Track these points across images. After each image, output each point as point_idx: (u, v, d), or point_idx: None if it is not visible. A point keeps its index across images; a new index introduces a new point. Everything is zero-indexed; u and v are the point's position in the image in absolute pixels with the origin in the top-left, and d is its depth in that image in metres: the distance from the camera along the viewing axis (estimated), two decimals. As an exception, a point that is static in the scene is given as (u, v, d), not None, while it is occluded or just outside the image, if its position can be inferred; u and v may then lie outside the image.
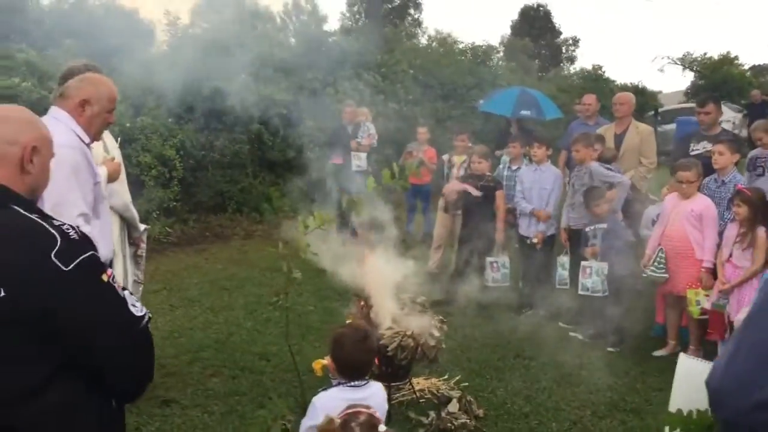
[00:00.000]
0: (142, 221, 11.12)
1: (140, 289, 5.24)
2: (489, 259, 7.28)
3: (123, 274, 4.77)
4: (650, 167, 7.79)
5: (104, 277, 2.00)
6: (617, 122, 8.04)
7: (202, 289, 7.93)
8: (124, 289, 2.07)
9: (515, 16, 46.46)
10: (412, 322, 4.73)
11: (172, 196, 10.92)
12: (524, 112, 10.93)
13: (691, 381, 2.08)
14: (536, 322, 6.98)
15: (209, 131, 11.79)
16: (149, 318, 2.09)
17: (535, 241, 7.10)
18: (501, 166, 8.25)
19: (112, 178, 4.57)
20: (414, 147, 10.31)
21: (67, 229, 1.98)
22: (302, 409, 4.22)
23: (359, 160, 10.67)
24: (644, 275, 6.09)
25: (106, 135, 4.76)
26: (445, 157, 9.04)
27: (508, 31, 45.44)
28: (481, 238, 7.27)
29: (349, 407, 2.60)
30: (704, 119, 6.86)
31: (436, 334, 4.74)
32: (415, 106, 15.20)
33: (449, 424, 4.62)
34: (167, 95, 11.28)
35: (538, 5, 46.29)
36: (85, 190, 3.38)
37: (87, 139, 3.47)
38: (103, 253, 3.54)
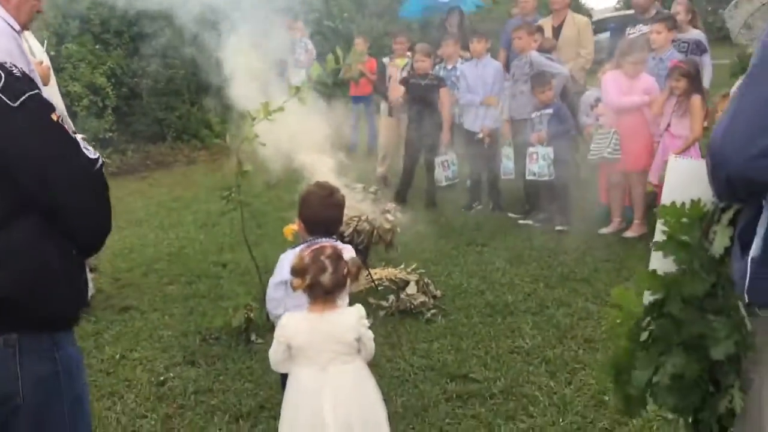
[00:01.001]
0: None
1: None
2: (438, 158, 7.32)
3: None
4: (588, 58, 7.86)
5: (53, 117, 1.93)
6: (554, 15, 8.04)
7: (149, 210, 7.81)
8: (74, 133, 2.00)
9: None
10: (367, 207, 4.76)
11: (107, 126, 10.57)
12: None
13: (681, 179, 2.09)
14: (486, 214, 7.12)
15: (140, 57, 11.37)
16: (102, 163, 2.03)
17: (481, 135, 7.14)
18: (437, 67, 8.21)
19: (43, 82, 4.38)
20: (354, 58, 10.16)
21: (10, 66, 1.90)
22: (264, 300, 4.27)
23: (299, 77, 10.47)
24: (594, 158, 6.22)
25: (31, 38, 4.55)
26: (386, 60, 8.93)
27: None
28: (428, 138, 7.30)
29: (312, 246, 2.63)
30: (639, 2, 6.95)
31: (391, 217, 4.79)
32: (351, 24, 14.94)
33: (409, 305, 4.71)
34: (91, 20, 10.84)
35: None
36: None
37: (17, 27, 3.29)
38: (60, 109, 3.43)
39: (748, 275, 1.76)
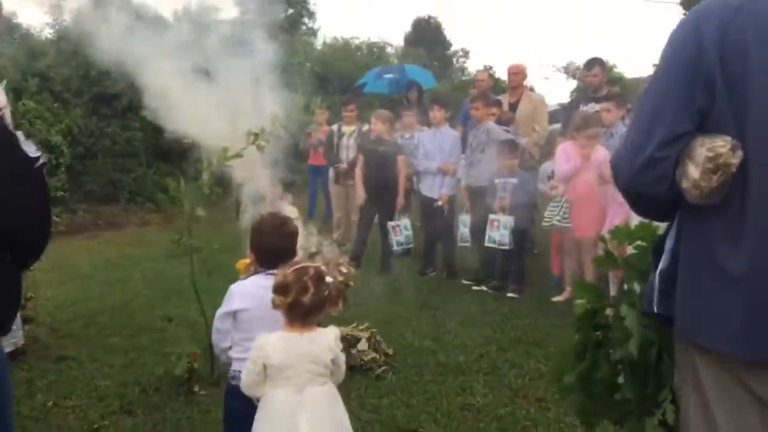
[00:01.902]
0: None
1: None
2: (390, 223, 7.33)
3: None
4: (542, 134, 8.10)
5: None
6: (511, 92, 8.32)
7: (96, 266, 7.59)
8: (15, 129, 1.94)
9: (408, 28, 47.16)
10: (318, 260, 4.68)
11: (59, 185, 10.40)
12: (387, 75, 11.15)
13: None
14: (440, 280, 7.10)
15: (99, 117, 11.32)
16: (44, 163, 1.97)
17: (440, 202, 7.19)
18: (396, 134, 8.35)
19: (-4, 117, 4.31)
20: (313, 128, 10.27)
21: None
22: (210, 348, 4.12)
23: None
24: (546, 225, 6.31)
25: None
26: (335, 126, 8.99)
27: (402, 43, 46.17)
28: (382, 204, 7.34)
29: (295, 265, 2.55)
30: (592, 80, 7.23)
31: (344, 270, 4.71)
32: (314, 96, 15.15)
33: (359, 360, 4.60)
34: (52, 78, 10.83)
35: (429, 17, 47.29)
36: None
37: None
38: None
39: (656, 288, 1.79)
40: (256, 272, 2.86)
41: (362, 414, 3.95)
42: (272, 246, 2.84)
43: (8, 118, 4.54)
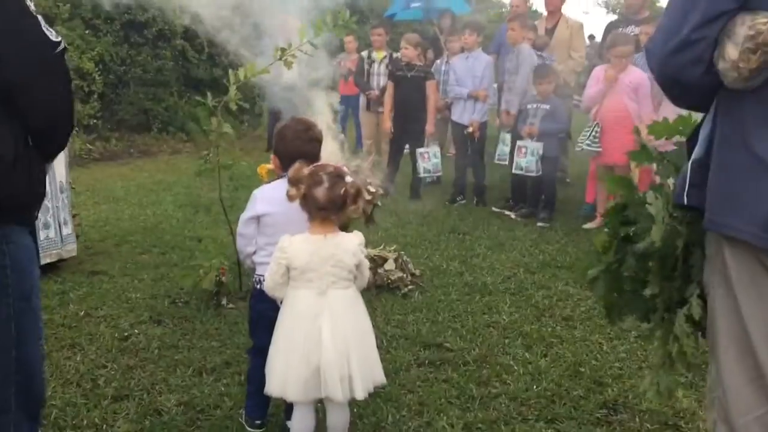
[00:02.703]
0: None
1: (67, 165, 4.99)
2: (420, 150, 7.25)
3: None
4: (579, 61, 7.86)
5: None
6: (548, 16, 8.07)
7: (129, 191, 7.67)
8: (36, 13, 1.89)
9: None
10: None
11: (92, 112, 10.47)
12: (414, 5, 10.82)
13: None
14: (470, 207, 7.05)
15: (130, 45, 11.28)
16: (65, 48, 1.93)
17: (470, 130, 7.07)
18: (438, 61, 8.18)
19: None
20: (343, 57, 10.11)
21: None
22: (239, 263, 4.15)
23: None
24: (578, 149, 6.19)
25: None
26: (364, 53, 8.82)
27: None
28: (412, 130, 7.25)
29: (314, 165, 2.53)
30: (632, 3, 6.97)
31: (372, 189, 4.67)
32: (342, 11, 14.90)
33: (386, 280, 4.61)
34: (83, 4, 10.76)
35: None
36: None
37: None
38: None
39: (688, 178, 1.72)
40: (279, 177, 2.82)
41: (387, 329, 3.97)
42: (297, 150, 2.77)
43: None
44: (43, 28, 1.85)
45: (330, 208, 2.51)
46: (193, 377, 3.35)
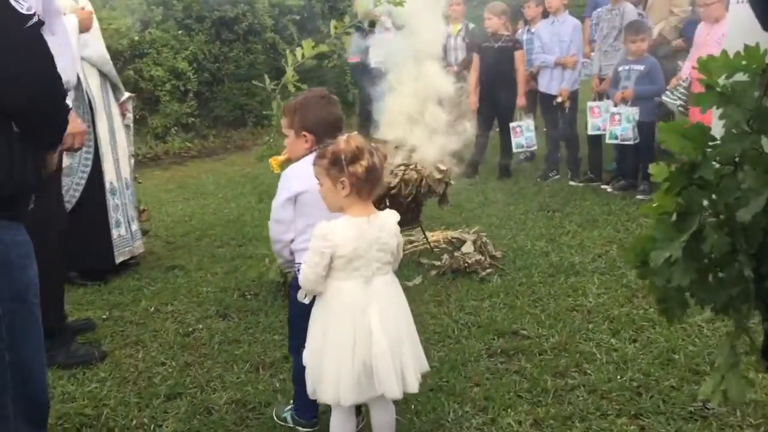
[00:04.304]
0: (160, 137, 10.96)
1: (132, 162, 4.99)
2: (512, 124, 6.86)
3: (108, 131, 4.52)
4: (681, 16, 7.17)
5: None
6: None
7: (219, 185, 7.72)
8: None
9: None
10: (414, 157, 4.40)
11: (189, 111, 10.68)
12: None
13: (742, 27, 1.64)
14: (563, 183, 6.60)
15: (221, 42, 11.44)
16: (40, 21, 1.77)
17: (559, 99, 6.60)
18: (520, 30, 7.72)
19: (84, 27, 4.29)
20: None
21: None
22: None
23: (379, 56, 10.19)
24: (661, 100, 5.64)
25: (75, -16, 4.46)
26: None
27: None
28: (501, 104, 6.86)
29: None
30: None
31: (443, 167, 4.40)
32: None
33: (463, 263, 4.31)
34: (174, 6, 11.00)
35: None
36: (29, -4, 3.07)
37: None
38: (63, 67, 3.26)
39: None
40: (310, 151, 2.59)
41: (460, 316, 3.69)
42: (329, 116, 2.60)
43: (95, 25, 4.54)
44: (11, 1, 1.70)
45: (379, 183, 2.32)
46: (250, 373, 3.22)
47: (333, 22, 4.19)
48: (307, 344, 2.32)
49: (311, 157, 2.55)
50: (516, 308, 3.75)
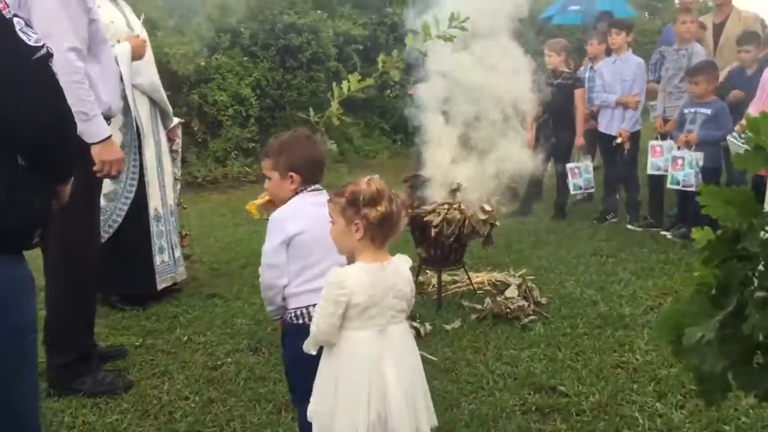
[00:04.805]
0: (220, 161, 11.10)
1: (178, 188, 5.02)
2: (569, 165, 6.65)
3: (155, 158, 4.55)
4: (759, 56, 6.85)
5: None
6: (716, 11, 7.14)
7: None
8: (16, 16, 1.72)
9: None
10: (458, 197, 4.27)
11: (250, 136, 10.82)
12: (573, 7, 10.02)
13: None
14: (620, 227, 6.34)
15: (285, 69, 11.59)
16: (48, 54, 1.73)
17: (619, 140, 6.37)
18: (582, 68, 7.53)
19: (137, 54, 4.34)
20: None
21: None
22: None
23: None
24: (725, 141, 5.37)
25: (129, 13, 4.53)
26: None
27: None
28: (559, 143, 6.67)
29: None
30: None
31: (488, 207, 4.25)
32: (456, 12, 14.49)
33: (504, 308, 4.13)
34: (242, 33, 11.20)
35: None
36: (77, 24, 3.10)
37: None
38: (106, 100, 3.29)
39: None
40: (296, 193, 2.50)
41: (496, 366, 3.51)
42: (315, 156, 2.54)
43: (149, 52, 4.58)
44: (18, 32, 1.66)
45: (394, 232, 2.19)
46: (272, 414, 3.11)
47: (381, 56, 4.14)
48: (314, 399, 2.19)
49: (300, 196, 2.50)
50: (557, 361, 3.55)
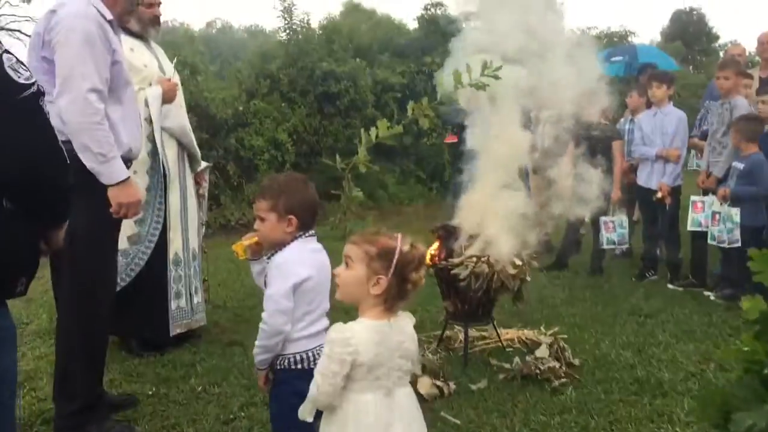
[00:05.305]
0: (254, 205, 11.23)
1: (203, 231, 4.95)
2: (603, 218, 6.43)
3: (180, 201, 4.48)
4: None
5: None
6: (762, 65, 6.95)
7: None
8: (6, 52, 1.63)
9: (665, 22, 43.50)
10: (487, 250, 4.09)
11: (285, 181, 10.84)
12: (616, 58, 9.86)
13: None
14: (660, 285, 6.07)
15: (322, 116, 11.64)
16: (39, 92, 1.64)
17: (659, 195, 6.14)
18: (622, 120, 7.36)
19: (168, 98, 4.33)
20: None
21: None
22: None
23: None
24: None
25: (163, 58, 4.53)
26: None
27: (658, 38, 42.68)
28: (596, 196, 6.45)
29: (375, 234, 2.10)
30: None
31: (518, 262, 4.06)
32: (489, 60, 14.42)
33: (534, 369, 3.91)
34: (281, 79, 11.30)
35: (691, 9, 43.08)
36: (100, 64, 3.06)
37: (108, 15, 3.17)
38: (126, 142, 3.23)
39: None
40: (294, 239, 2.40)
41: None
42: (312, 199, 2.47)
43: (179, 96, 4.56)
44: (6, 69, 1.58)
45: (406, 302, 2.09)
46: (281, 476, 2.93)
47: (410, 104, 4.06)
48: None
49: (299, 242, 2.40)
50: (589, 430, 3.31)
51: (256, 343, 2.37)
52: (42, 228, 1.80)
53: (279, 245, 2.40)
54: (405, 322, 2.08)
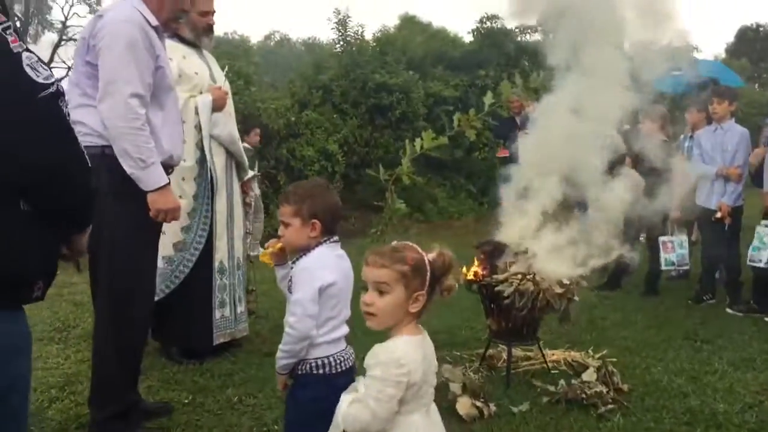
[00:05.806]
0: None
1: (248, 241, 4.93)
2: (662, 238, 6.20)
3: (226, 210, 4.46)
4: None
5: None
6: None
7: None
8: (27, 50, 1.59)
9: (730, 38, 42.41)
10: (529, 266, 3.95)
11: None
12: (675, 73, 9.51)
13: None
14: (718, 309, 5.79)
15: (374, 127, 11.62)
16: (58, 92, 1.60)
17: (719, 215, 5.88)
18: (682, 137, 7.11)
19: (217, 106, 4.34)
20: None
21: None
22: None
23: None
24: None
25: (214, 65, 4.54)
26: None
27: (723, 54, 41.59)
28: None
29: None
30: None
31: (566, 281, 3.90)
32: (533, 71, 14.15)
33: (580, 393, 3.74)
34: (333, 91, 11.33)
35: (758, 25, 41.85)
36: (143, 69, 3.05)
37: (153, 21, 3.17)
38: (167, 148, 3.22)
39: None
40: (318, 244, 2.36)
41: (565, 460, 3.13)
42: (336, 204, 2.45)
43: (229, 105, 4.55)
44: (25, 67, 1.54)
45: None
46: (311, 493, 2.84)
47: (457, 115, 3.97)
48: None
49: (323, 248, 2.37)
50: (636, 460, 3.14)
51: (281, 347, 2.35)
52: (64, 233, 1.75)
53: (303, 250, 2.38)
54: (425, 332, 2.04)
